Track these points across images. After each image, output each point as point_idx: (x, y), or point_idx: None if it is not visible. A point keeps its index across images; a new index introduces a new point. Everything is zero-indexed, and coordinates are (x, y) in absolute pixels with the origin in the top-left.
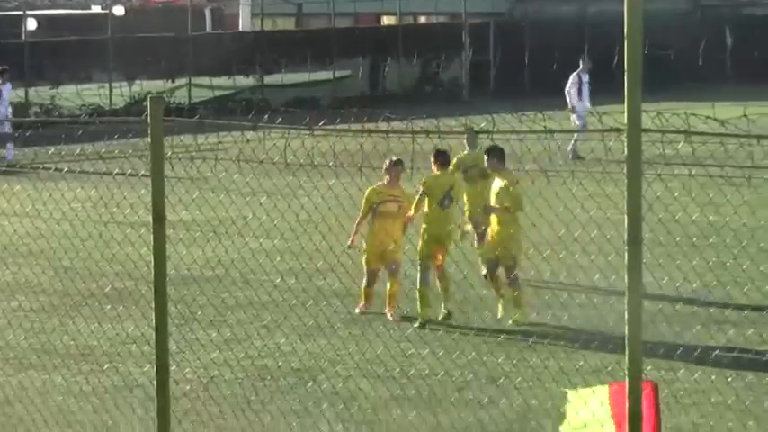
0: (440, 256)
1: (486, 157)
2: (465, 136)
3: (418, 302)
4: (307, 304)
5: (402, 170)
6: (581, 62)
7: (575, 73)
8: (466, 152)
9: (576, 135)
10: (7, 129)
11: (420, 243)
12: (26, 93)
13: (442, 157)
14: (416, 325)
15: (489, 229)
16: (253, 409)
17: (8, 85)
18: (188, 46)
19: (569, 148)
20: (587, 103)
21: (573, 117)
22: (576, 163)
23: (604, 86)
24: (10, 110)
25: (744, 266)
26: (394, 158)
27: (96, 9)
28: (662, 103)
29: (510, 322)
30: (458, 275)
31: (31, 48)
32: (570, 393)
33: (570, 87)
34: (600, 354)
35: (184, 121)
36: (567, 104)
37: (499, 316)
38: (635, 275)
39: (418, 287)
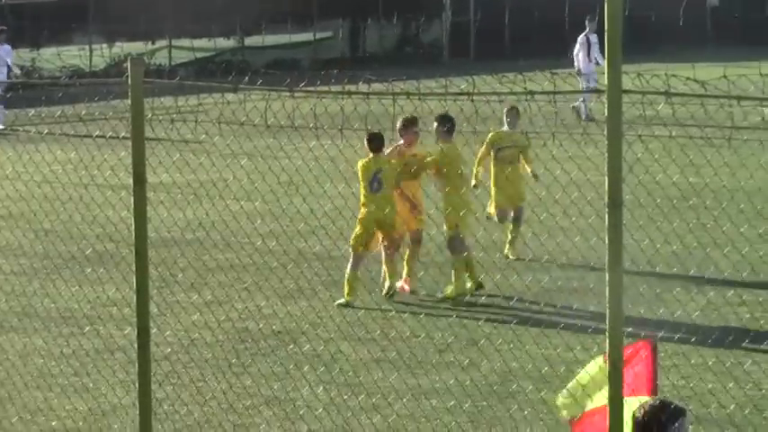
0: (376, 242)
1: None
2: (504, 111)
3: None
4: (287, 267)
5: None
6: (587, 22)
7: (582, 34)
8: (504, 129)
9: (583, 96)
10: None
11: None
12: None
13: (374, 143)
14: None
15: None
16: (233, 371)
17: (6, 47)
18: (168, 7)
19: (580, 109)
20: (602, 61)
21: (580, 80)
22: (583, 124)
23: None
24: (5, 71)
25: (724, 228)
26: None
27: None
28: (642, 65)
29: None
30: (440, 238)
31: (11, 9)
32: (580, 375)
33: (578, 51)
34: (581, 316)
35: (165, 82)
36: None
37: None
38: (615, 237)
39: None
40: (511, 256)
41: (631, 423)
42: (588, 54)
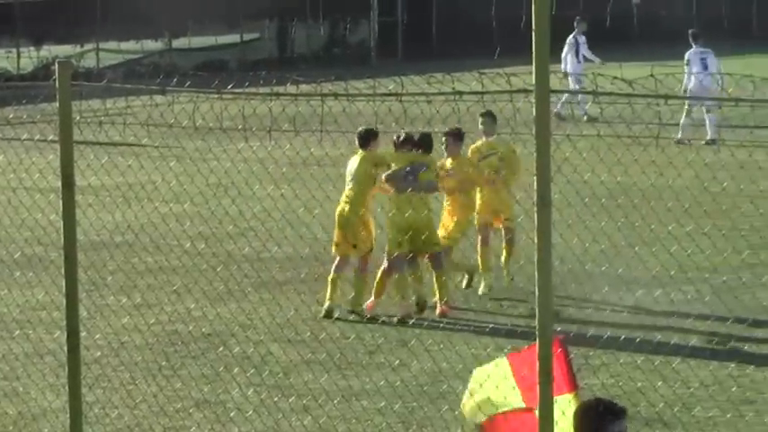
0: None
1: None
2: (480, 121)
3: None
4: (217, 269)
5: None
6: (575, 24)
7: (570, 36)
8: (482, 141)
9: (580, 97)
10: None
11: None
12: None
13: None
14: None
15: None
16: (164, 374)
17: None
18: (96, 10)
19: (557, 109)
20: (592, 58)
21: (570, 80)
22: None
23: (512, 47)
24: None
25: (652, 227)
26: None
27: None
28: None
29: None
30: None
31: None
32: (476, 371)
33: (566, 52)
34: (511, 315)
35: (93, 85)
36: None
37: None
38: (544, 236)
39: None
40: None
41: (573, 422)
42: (576, 55)
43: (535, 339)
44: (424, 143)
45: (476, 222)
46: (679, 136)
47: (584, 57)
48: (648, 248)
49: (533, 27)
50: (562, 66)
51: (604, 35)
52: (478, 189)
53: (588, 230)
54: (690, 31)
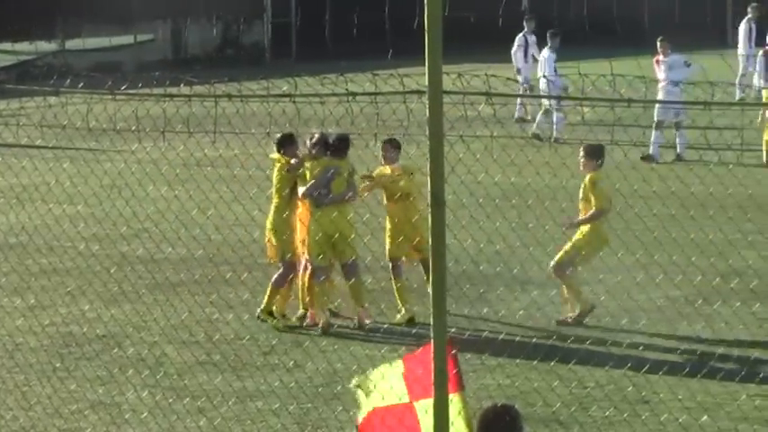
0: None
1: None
2: (381, 147)
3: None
4: (111, 270)
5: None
6: (525, 22)
7: (520, 34)
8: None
9: (519, 101)
10: None
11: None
12: None
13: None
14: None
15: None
16: (58, 376)
17: None
18: None
19: (516, 115)
20: (539, 58)
21: (520, 79)
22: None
23: (405, 48)
24: None
25: (546, 227)
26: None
27: None
28: (463, 65)
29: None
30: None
31: None
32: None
33: (516, 50)
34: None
35: None
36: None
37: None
38: (438, 237)
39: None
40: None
41: (477, 426)
42: (525, 55)
43: (429, 340)
44: (338, 146)
45: (387, 253)
46: (534, 130)
47: (532, 57)
48: (543, 249)
49: (426, 28)
50: (513, 63)
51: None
52: (388, 217)
53: (483, 231)
54: (549, 32)
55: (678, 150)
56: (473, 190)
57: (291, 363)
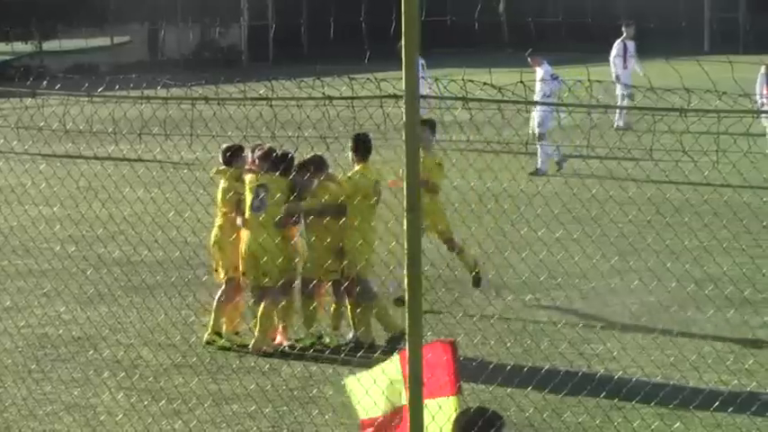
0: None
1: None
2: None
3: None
4: (87, 272)
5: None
6: (623, 28)
7: (618, 40)
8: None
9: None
10: None
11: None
12: None
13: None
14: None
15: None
16: (33, 378)
17: None
18: None
19: (616, 123)
20: (639, 69)
21: (618, 87)
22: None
23: (382, 53)
24: None
25: (522, 232)
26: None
27: None
28: (440, 70)
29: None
30: None
31: None
32: (349, 381)
33: (615, 57)
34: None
35: None
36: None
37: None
38: (414, 242)
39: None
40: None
41: (452, 428)
42: (624, 62)
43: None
44: (277, 162)
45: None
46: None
47: (632, 63)
48: (518, 254)
49: (403, 32)
50: (612, 70)
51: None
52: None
53: (458, 235)
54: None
55: (557, 159)
56: (449, 195)
57: (267, 366)
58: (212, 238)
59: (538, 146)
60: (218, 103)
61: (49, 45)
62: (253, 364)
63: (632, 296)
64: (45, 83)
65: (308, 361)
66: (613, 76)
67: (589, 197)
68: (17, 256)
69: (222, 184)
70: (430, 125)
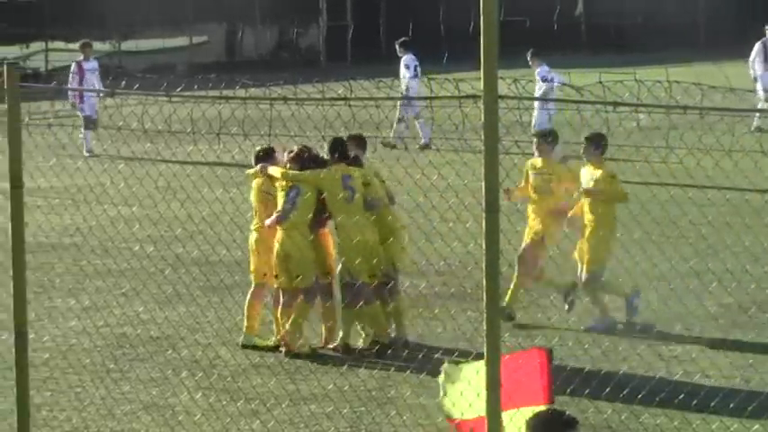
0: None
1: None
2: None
3: None
4: (165, 272)
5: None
6: (767, 29)
7: (759, 42)
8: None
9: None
10: None
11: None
12: None
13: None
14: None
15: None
16: (112, 377)
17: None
18: (43, 10)
19: (754, 125)
20: None
21: (757, 87)
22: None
23: (461, 53)
24: None
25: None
26: None
27: None
28: (519, 70)
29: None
30: None
31: None
32: (446, 366)
33: (754, 57)
34: (460, 320)
35: (41, 87)
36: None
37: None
38: (492, 242)
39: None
40: None
41: (525, 427)
42: (765, 62)
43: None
44: (316, 160)
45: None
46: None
47: None
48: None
49: (482, 33)
50: (751, 72)
51: (552, 41)
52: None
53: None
54: (399, 41)
55: (424, 140)
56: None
57: (345, 366)
58: (252, 242)
59: (416, 123)
60: (297, 104)
61: (127, 45)
62: (330, 364)
63: (710, 298)
64: (123, 82)
65: (386, 361)
66: (751, 77)
67: (668, 198)
68: (96, 255)
69: (255, 184)
70: (553, 136)
